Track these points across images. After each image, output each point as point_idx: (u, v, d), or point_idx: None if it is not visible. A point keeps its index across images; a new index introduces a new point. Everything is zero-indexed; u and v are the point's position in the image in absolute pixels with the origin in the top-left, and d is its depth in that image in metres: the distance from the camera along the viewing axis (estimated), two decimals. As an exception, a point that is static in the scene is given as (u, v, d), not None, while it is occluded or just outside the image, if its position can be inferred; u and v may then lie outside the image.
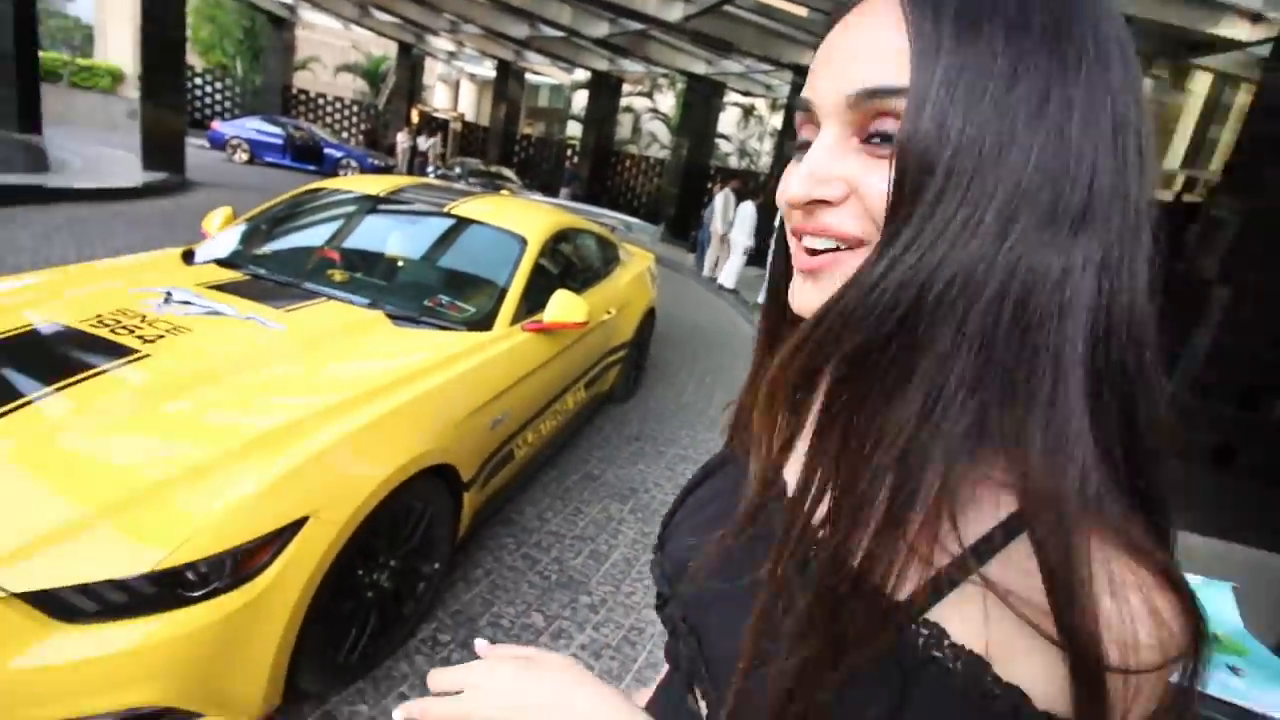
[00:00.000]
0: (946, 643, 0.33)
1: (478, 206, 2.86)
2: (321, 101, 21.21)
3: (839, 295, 0.34)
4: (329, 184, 3.01)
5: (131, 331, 1.71)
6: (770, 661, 0.36)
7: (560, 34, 14.68)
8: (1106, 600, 0.29)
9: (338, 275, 2.43)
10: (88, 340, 1.64)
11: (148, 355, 1.62)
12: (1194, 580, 1.18)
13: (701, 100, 15.06)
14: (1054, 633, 0.30)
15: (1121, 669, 0.29)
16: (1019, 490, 0.31)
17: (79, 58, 27.71)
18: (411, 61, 21.02)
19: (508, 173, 16.50)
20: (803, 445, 0.42)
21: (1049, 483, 0.30)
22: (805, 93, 0.39)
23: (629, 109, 21.15)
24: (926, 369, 0.31)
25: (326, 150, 15.53)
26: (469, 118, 24.47)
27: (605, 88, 18.14)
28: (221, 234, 2.65)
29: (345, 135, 20.66)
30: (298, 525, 1.39)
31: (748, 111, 22.03)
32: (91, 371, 1.52)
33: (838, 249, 0.37)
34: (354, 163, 15.50)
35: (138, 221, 6.88)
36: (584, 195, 16.26)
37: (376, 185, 2.93)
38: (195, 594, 1.27)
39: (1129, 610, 0.30)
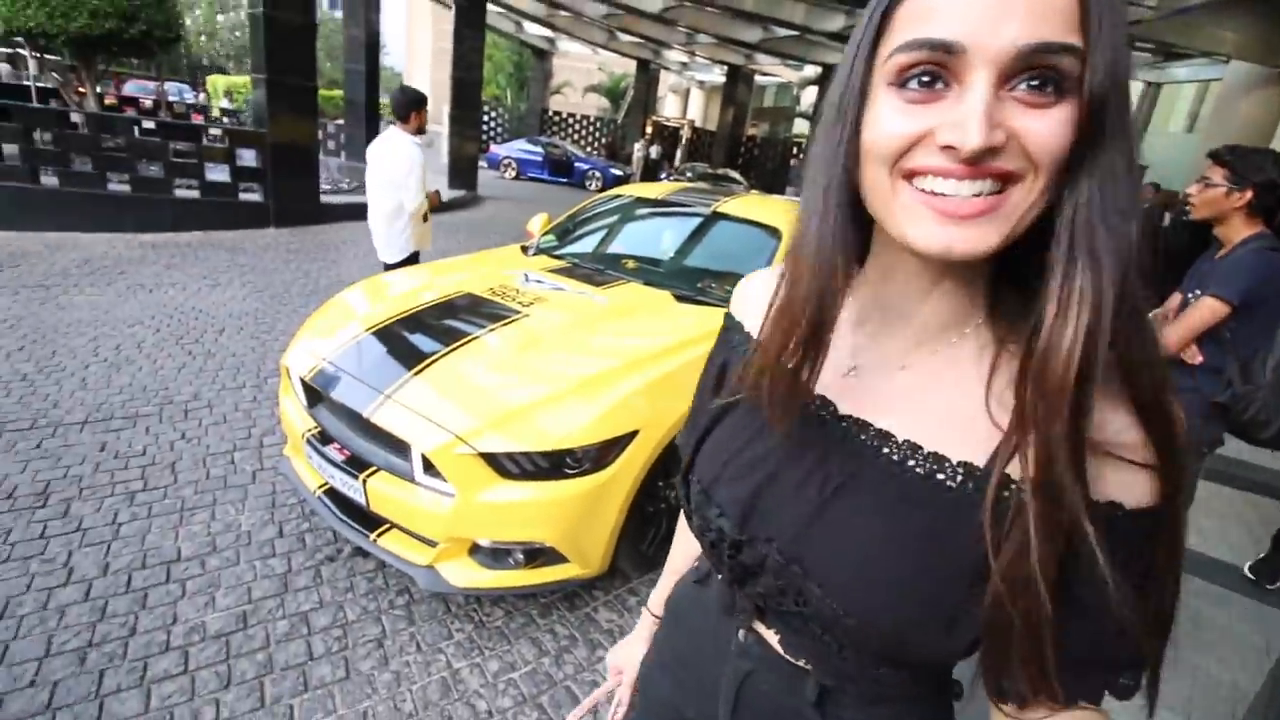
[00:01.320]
0: (1106, 502, 0.43)
1: (737, 205, 3.31)
2: (571, 120, 23.88)
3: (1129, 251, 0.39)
4: (617, 191, 3.70)
5: (514, 299, 2.45)
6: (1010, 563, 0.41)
7: (793, 33, 14.78)
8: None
9: (631, 263, 3.05)
10: (494, 304, 2.41)
11: (529, 315, 2.32)
12: None
13: (944, 85, 14.04)
14: (1146, 461, 0.42)
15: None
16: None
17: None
18: (648, 76, 22.64)
19: (734, 174, 17.02)
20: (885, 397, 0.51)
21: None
22: (950, 35, 0.39)
23: (860, 101, 20.33)
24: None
25: (576, 164, 17.54)
26: (698, 123, 25.60)
27: (836, 82, 17.73)
28: (543, 233, 3.46)
29: (589, 149, 22.99)
30: (632, 435, 1.94)
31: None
32: (506, 320, 2.26)
33: (998, 190, 0.40)
34: (598, 174, 17.27)
35: (453, 229, 8.70)
36: (809, 193, 16.12)
37: (655, 191, 3.55)
38: (571, 471, 1.87)
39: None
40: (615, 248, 3.26)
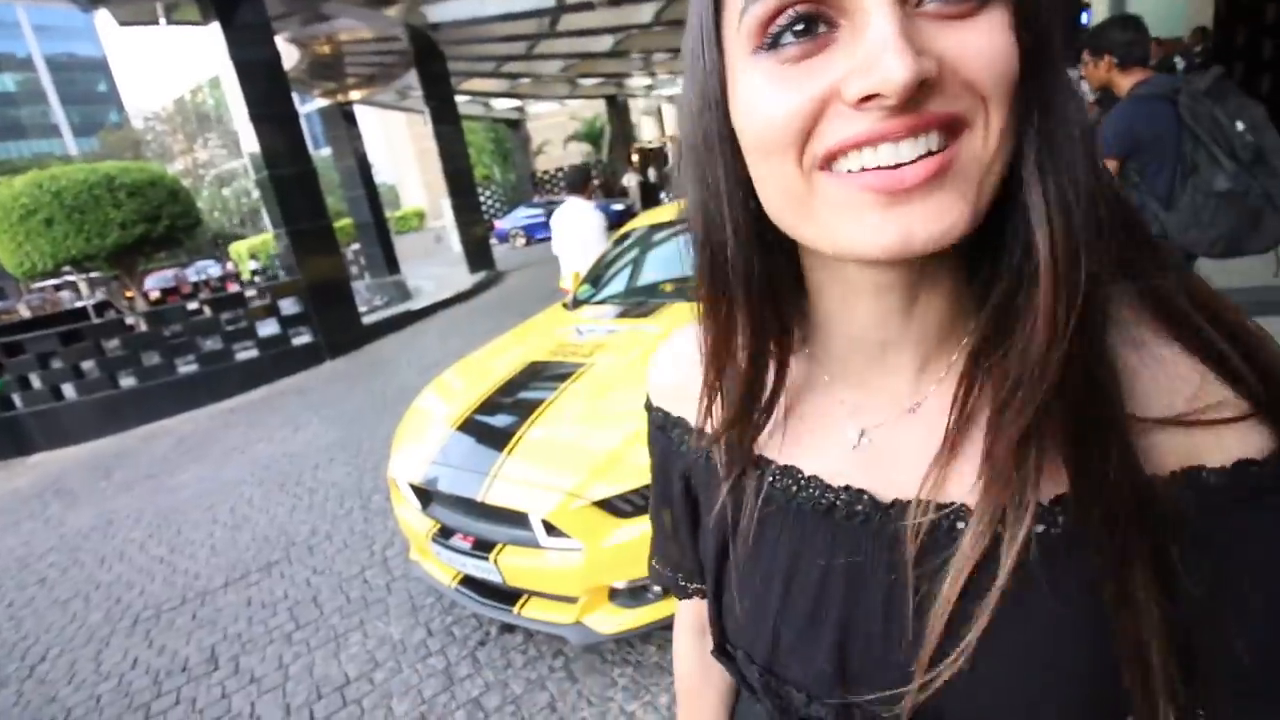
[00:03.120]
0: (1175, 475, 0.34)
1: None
2: (560, 174, 24.52)
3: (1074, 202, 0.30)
4: (632, 225, 3.81)
5: (574, 354, 2.55)
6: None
7: (743, 23, 14.90)
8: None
9: (669, 286, 3.13)
10: (559, 364, 2.51)
11: (594, 364, 2.41)
12: None
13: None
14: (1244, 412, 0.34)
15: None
16: None
17: (394, 212, 35.96)
18: (619, 109, 23.14)
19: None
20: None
21: None
22: None
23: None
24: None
25: (577, 212, 17.95)
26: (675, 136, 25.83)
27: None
28: (578, 287, 3.58)
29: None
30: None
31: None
32: (575, 374, 2.35)
33: (937, 150, 0.29)
34: (602, 214, 17.61)
35: (485, 311, 9.02)
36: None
37: (669, 212, 3.64)
38: (681, 495, 1.92)
39: None
40: (648, 276, 3.35)
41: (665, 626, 2.15)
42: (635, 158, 21.60)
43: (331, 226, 7.90)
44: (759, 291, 0.38)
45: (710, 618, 0.49)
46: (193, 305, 7.34)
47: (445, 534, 2.23)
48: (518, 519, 2.01)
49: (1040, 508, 0.34)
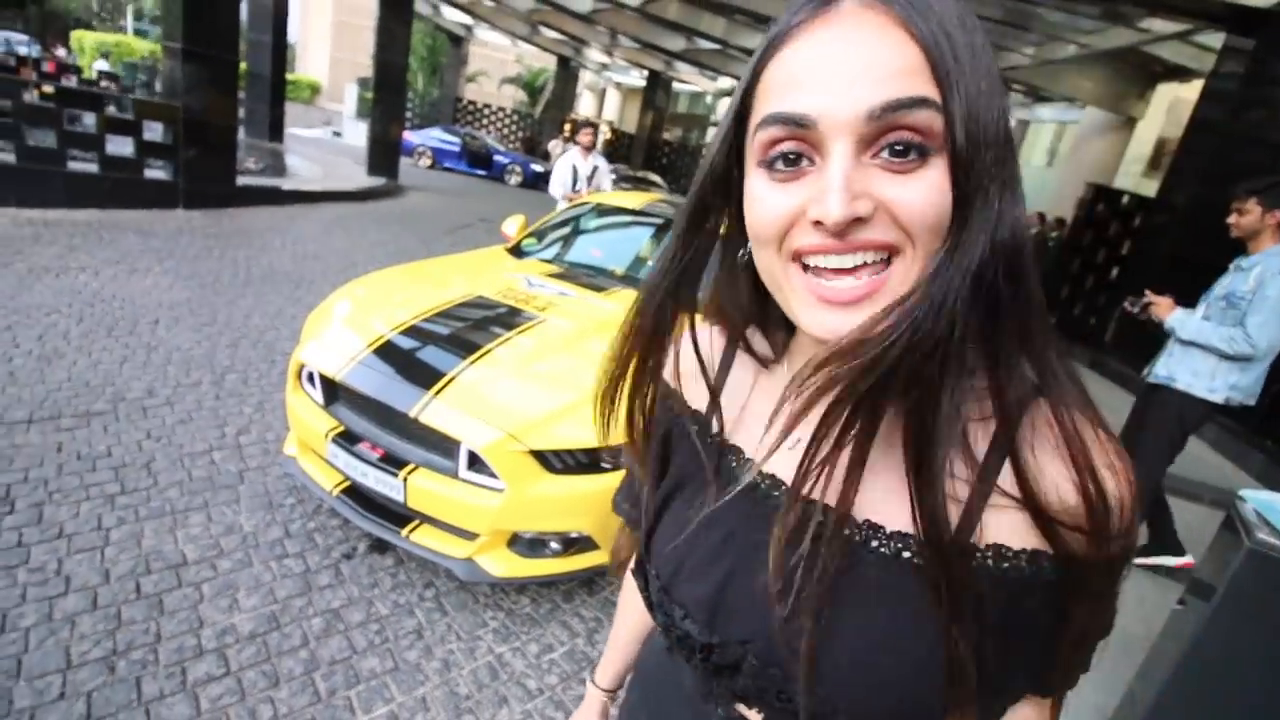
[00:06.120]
0: (1010, 553, 0.41)
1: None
2: (486, 111, 23.33)
3: (913, 307, 0.36)
4: (596, 199, 3.83)
5: (526, 303, 2.55)
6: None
7: (714, 46, 15.32)
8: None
9: (619, 270, 3.21)
10: (509, 307, 2.50)
11: (546, 320, 2.44)
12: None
13: (850, 107, 15.10)
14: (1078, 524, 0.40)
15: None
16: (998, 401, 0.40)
17: (288, 75, 31.82)
18: (568, 74, 22.56)
19: (654, 177, 17.39)
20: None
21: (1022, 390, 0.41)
22: (801, 109, 0.38)
23: (771, 115, 21.35)
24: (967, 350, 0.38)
25: (495, 157, 17.21)
26: (615, 124, 25.76)
27: (750, 95, 18.52)
28: (523, 237, 3.54)
29: (505, 143, 22.58)
30: (662, 433, 2.12)
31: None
32: (528, 324, 2.36)
33: (876, 264, 0.38)
34: (519, 168, 17.06)
35: (379, 221, 8.38)
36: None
37: (633, 200, 3.73)
38: (607, 466, 2.03)
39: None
40: (602, 255, 3.40)
41: (545, 583, 2.24)
42: (568, 128, 21.21)
43: (238, 65, 6.93)
44: (741, 312, 0.54)
45: (641, 539, 0.58)
46: (47, 88, 6.05)
47: (350, 438, 2.14)
48: (444, 445, 1.99)
49: (896, 533, 0.44)
